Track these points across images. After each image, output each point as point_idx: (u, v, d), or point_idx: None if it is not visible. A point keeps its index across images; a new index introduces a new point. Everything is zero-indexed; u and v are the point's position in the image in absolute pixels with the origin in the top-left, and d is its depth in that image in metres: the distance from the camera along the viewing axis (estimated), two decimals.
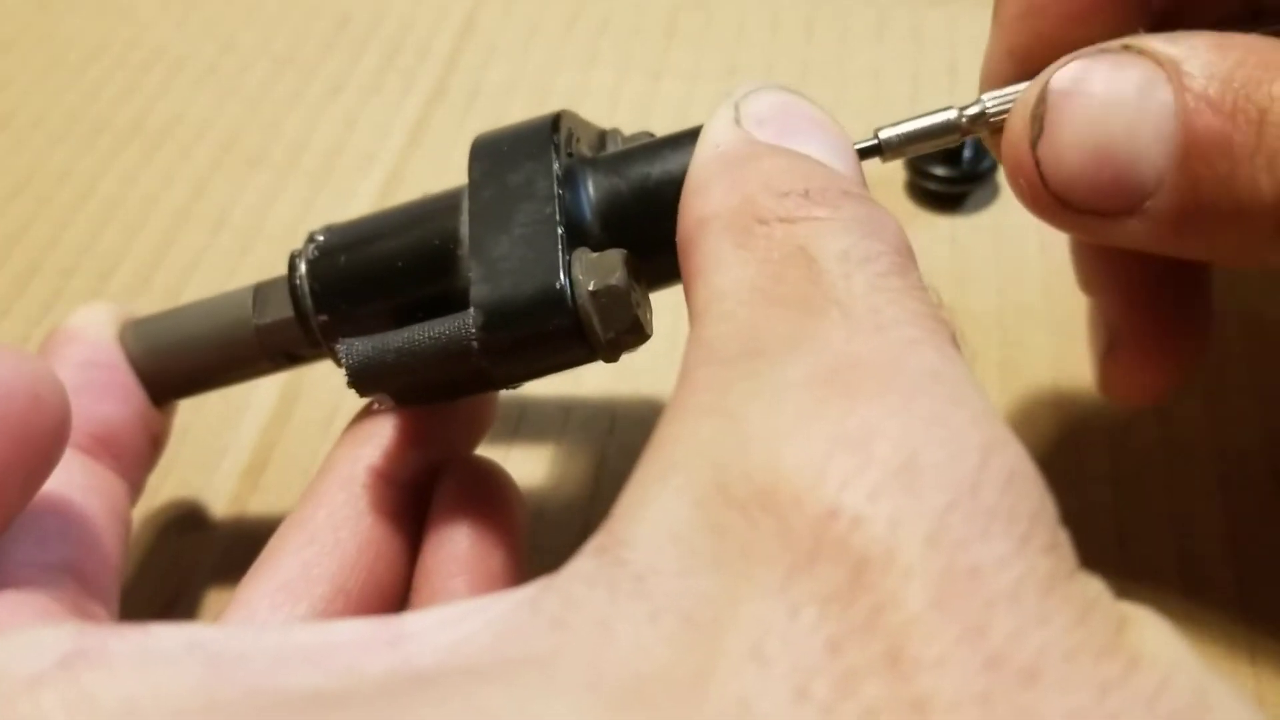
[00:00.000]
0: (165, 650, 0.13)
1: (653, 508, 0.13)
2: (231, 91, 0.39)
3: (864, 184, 0.17)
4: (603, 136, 0.23)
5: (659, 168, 0.20)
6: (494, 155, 0.21)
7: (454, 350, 0.19)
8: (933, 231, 0.32)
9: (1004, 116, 0.20)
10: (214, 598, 0.26)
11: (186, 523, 0.27)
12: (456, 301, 0.20)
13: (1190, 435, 0.27)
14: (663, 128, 0.37)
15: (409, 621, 0.13)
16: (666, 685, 0.11)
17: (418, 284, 0.21)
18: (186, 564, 0.26)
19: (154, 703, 0.12)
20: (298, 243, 0.34)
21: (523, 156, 0.21)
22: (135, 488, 0.23)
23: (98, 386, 0.22)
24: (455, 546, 0.20)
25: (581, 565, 0.13)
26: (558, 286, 0.19)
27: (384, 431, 0.22)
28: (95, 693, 0.12)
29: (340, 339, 0.20)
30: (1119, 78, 0.18)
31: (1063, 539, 0.12)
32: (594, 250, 0.19)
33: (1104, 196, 0.18)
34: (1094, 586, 0.12)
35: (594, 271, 0.19)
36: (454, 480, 0.22)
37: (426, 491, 0.22)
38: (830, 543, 0.12)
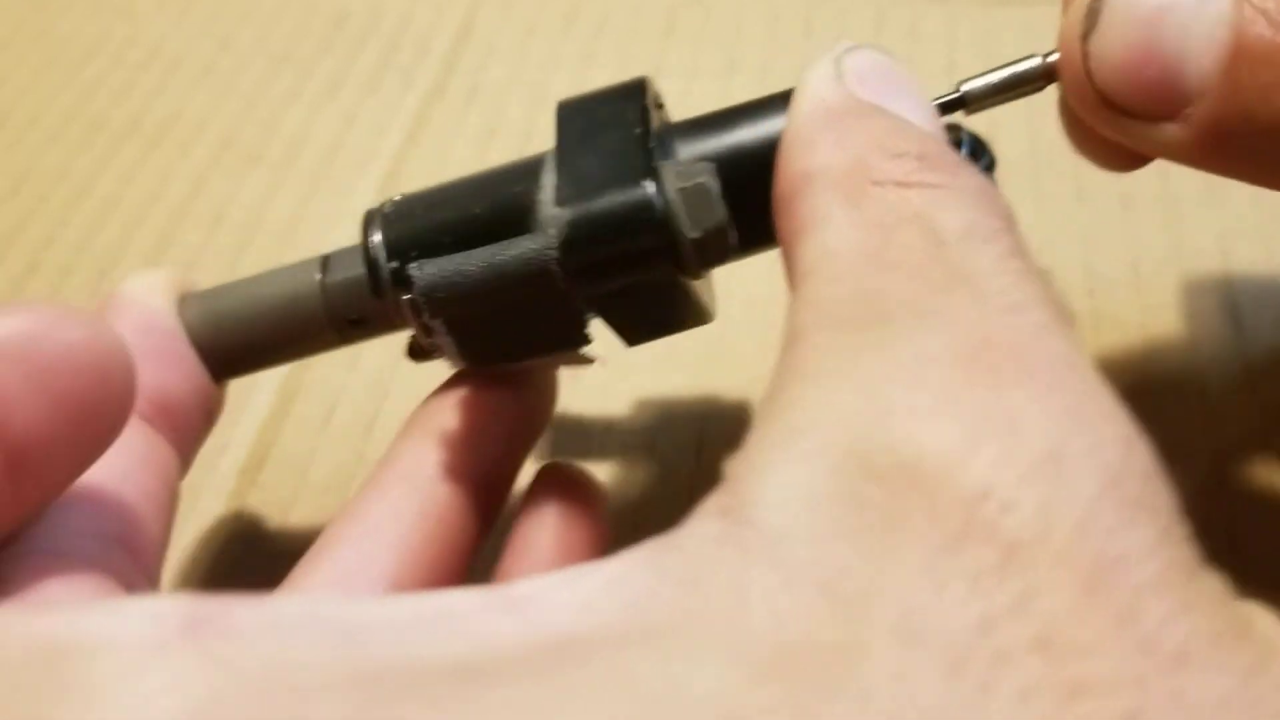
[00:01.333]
0: (291, 620, 0.12)
1: (782, 470, 0.13)
2: (229, 89, 0.39)
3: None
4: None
5: (752, 127, 0.19)
6: (581, 103, 0.21)
7: (534, 266, 0.18)
8: None
9: None
10: (214, 593, 0.26)
11: (185, 520, 0.27)
12: None
13: (1188, 435, 0.27)
14: None
15: (518, 587, 0.13)
16: (814, 656, 0.11)
17: (494, 233, 0.20)
18: (185, 561, 0.26)
19: (297, 673, 0.11)
20: (297, 240, 0.34)
21: (613, 99, 0.20)
22: (186, 462, 0.22)
23: (158, 353, 0.21)
24: (538, 561, 0.20)
25: (704, 525, 0.13)
26: (644, 185, 0.18)
27: (448, 425, 0.21)
28: (233, 660, 0.12)
29: (409, 266, 0.19)
30: None
31: (1190, 534, 0.12)
32: None
33: (1146, 97, 0.18)
34: (1218, 580, 0.12)
35: (682, 175, 0.18)
36: (544, 493, 0.21)
37: (488, 490, 0.21)
38: (980, 524, 0.12)
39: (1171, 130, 0.18)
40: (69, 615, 0.12)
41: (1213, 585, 0.12)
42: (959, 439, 0.12)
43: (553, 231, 0.18)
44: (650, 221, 0.18)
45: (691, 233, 0.18)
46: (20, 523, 0.17)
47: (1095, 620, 0.11)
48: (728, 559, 0.12)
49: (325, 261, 0.22)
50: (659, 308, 0.20)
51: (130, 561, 0.18)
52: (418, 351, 0.22)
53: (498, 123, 0.37)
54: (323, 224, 0.34)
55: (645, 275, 0.19)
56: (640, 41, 0.40)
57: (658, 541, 0.13)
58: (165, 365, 0.21)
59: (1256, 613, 0.12)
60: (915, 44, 0.38)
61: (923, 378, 0.13)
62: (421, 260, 0.19)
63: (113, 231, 0.35)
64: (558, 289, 0.19)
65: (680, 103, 0.37)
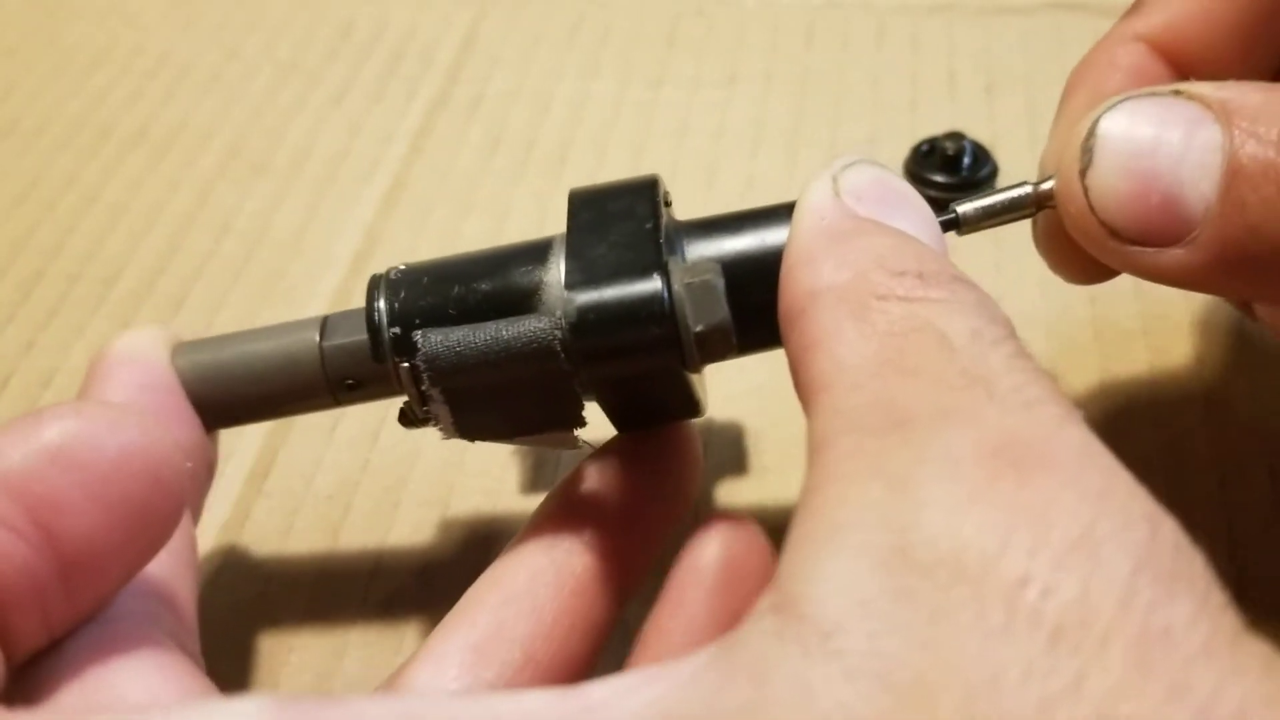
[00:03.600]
0: None
1: (828, 567, 0.13)
2: (236, 98, 0.39)
3: (951, 260, 0.18)
4: None
5: (757, 236, 0.20)
6: (594, 193, 0.21)
7: (539, 345, 0.19)
8: None
9: None
10: (219, 601, 0.26)
11: None
12: None
13: (1189, 438, 0.27)
14: (664, 135, 0.37)
15: (591, 691, 0.13)
16: None
17: (498, 311, 0.20)
18: None
19: None
20: (302, 248, 0.34)
21: (623, 193, 0.21)
22: (195, 517, 0.22)
23: (163, 412, 0.22)
24: (691, 618, 0.20)
25: (762, 623, 0.13)
26: (653, 277, 0.19)
27: (593, 495, 0.22)
28: None
29: (415, 333, 0.20)
30: (1167, 118, 0.19)
31: (1229, 601, 0.13)
32: None
33: (1151, 225, 0.19)
34: (1263, 645, 0.12)
35: (689, 272, 0.19)
36: (708, 543, 0.20)
37: (630, 561, 0.21)
38: (1023, 611, 0.12)
39: (1178, 255, 0.19)
40: None
41: (1258, 649, 0.12)
42: (994, 530, 0.13)
43: (560, 314, 0.19)
44: (657, 313, 0.19)
45: (696, 327, 0.19)
46: (73, 625, 0.17)
47: (1150, 694, 0.12)
48: (789, 653, 0.13)
49: (324, 323, 0.22)
50: (654, 397, 0.21)
51: (174, 617, 0.18)
52: (409, 419, 0.22)
53: (501, 132, 0.37)
54: (327, 232, 0.35)
55: (647, 364, 0.19)
56: (643, 52, 0.40)
57: (720, 642, 0.13)
58: (171, 423, 0.22)
59: None
60: (916, 53, 0.39)
61: (953, 473, 0.14)
62: (427, 329, 0.20)
63: (119, 239, 0.35)
64: (560, 370, 0.19)
65: (682, 112, 0.38)
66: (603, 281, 0.19)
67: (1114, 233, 0.19)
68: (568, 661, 0.20)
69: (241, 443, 0.29)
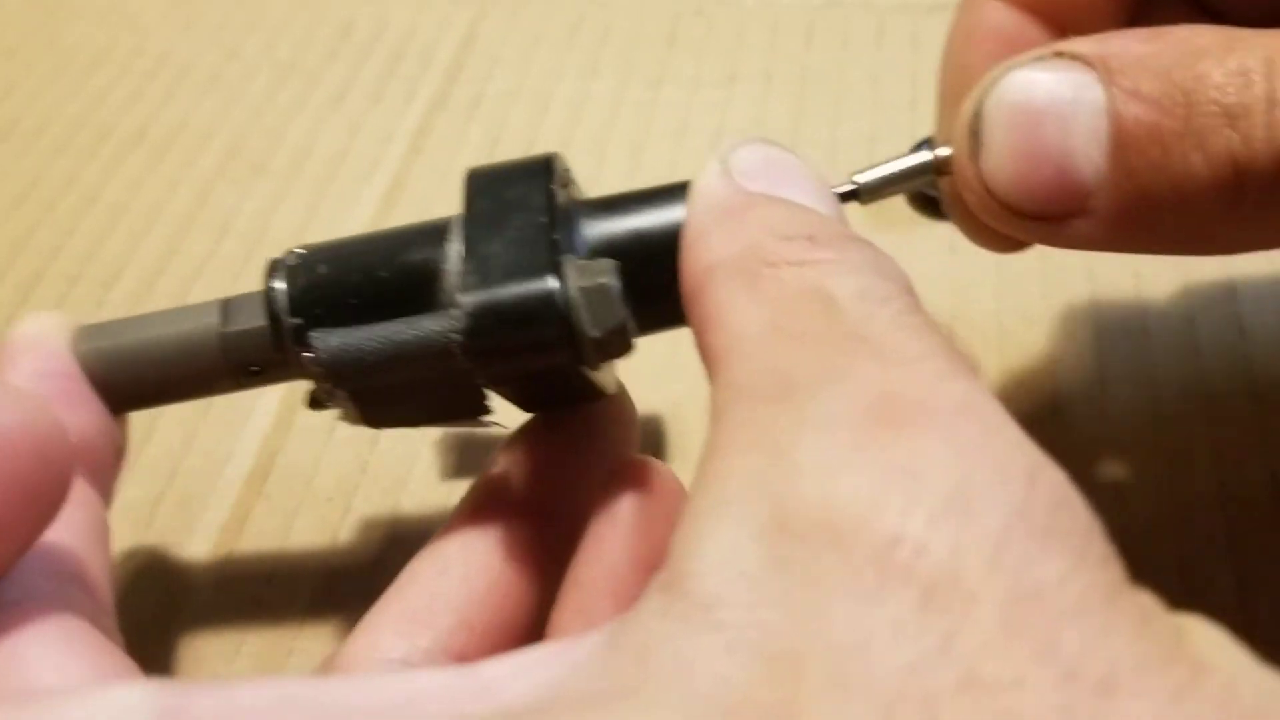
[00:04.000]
0: (257, 707, 0.13)
1: (711, 541, 0.13)
2: (235, 99, 0.39)
3: (849, 227, 0.18)
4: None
5: (653, 214, 0.20)
6: (490, 177, 0.21)
7: (436, 347, 0.19)
8: (932, 238, 0.32)
9: None
10: (219, 603, 0.26)
11: (190, 529, 0.27)
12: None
13: (1189, 439, 0.27)
14: (664, 134, 0.37)
15: (486, 669, 0.13)
16: (754, 714, 0.12)
17: (399, 298, 0.20)
18: (190, 570, 0.27)
19: None
20: None
21: (519, 177, 0.21)
22: (106, 500, 0.22)
23: (63, 397, 0.21)
24: (611, 565, 0.20)
25: (651, 601, 0.13)
26: (546, 280, 0.19)
27: (524, 462, 0.22)
28: None
29: (311, 335, 0.20)
30: (1051, 82, 0.18)
31: (1112, 554, 0.13)
32: None
33: (1047, 199, 0.18)
34: (1147, 598, 0.12)
35: (584, 273, 0.19)
36: (621, 488, 0.20)
37: (567, 524, 0.21)
38: (895, 571, 0.12)
39: (1080, 225, 0.18)
40: (47, 710, 0.13)
41: (1136, 604, 0.12)
42: (867, 490, 0.13)
43: (456, 314, 0.19)
44: (550, 316, 0.19)
45: (592, 332, 0.19)
46: None
47: (1016, 654, 0.11)
48: (672, 631, 0.13)
49: (225, 307, 0.22)
50: (555, 388, 0.21)
51: (85, 596, 0.18)
52: (318, 403, 0.22)
53: (500, 132, 0.37)
54: (327, 232, 0.34)
55: (544, 363, 0.19)
56: (642, 51, 0.40)
57: (614, 621, 0.14)
58: (70, 408, 0.21)
59: (1190, 626, 0.12)
60: (916, 52, 0.39)
61: (829, 436, 0.13)
62: (324, 331, 0.20)
63: (119, 240, 0.35)
64: (459, 368, 0.19)
65: (681, 112, 0.38)
66: (496, 282, 0.19)
67: (1015, 212, 0.19)
68: (504, 627, 0.20)
69: (240, 444, 0.29)
